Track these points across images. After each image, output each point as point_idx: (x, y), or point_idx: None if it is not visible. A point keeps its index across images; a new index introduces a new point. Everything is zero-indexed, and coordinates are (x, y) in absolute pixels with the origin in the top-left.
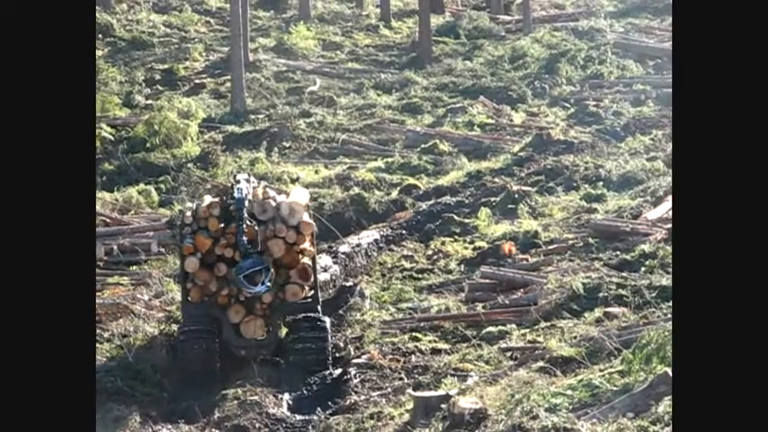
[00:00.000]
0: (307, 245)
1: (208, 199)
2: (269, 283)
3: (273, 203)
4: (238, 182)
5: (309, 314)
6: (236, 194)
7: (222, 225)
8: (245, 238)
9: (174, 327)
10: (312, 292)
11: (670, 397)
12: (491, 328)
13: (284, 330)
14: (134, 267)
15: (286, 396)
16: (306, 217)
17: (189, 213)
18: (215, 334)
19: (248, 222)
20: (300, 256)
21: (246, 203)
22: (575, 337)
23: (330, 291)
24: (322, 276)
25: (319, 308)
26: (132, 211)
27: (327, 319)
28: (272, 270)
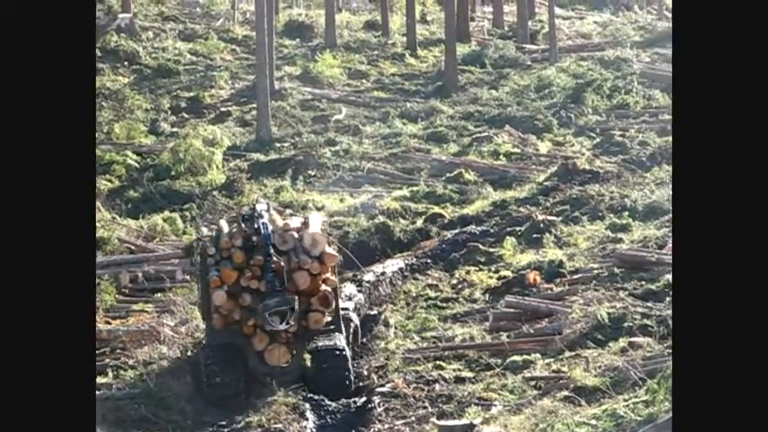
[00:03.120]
0: (329, 274)
1: (224, 225)
2: (292, 322)
3: (295, 234)
4: (260, 215)
5: (330, 343)
6: (261, 230)
7: (245, 255)
8: (271, 273)
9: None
10: (334, 319)
11: None
12: (515, 358)
13: (307, 357)
14: (159, 294)
15: (310, 424)
16: (328, 247)
17: (210, 243)
18: (240, 363)
19: (275, 259)
20: (322, 283)
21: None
22: (599, 367)
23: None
24: (347, 305)
25: (342, 335)
26: (157, 239)
27: (347, 347)
28: (296, 308)
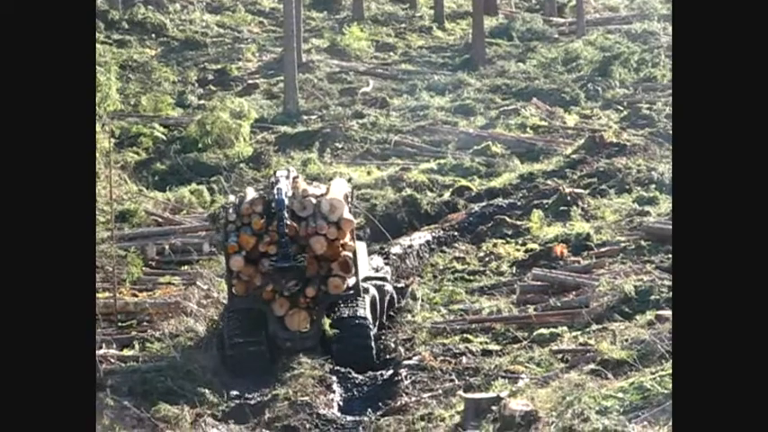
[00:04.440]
0: (348, 239)
1: (250, 192)
2: (293, 288)
3: (313, 200)
4: (278, 181)
5: (351, 311)
6: (276, 196)
7: (264, 221)
8: (284, 238)
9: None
10: (354, 283)
11: None
12: (542, 330)
13: (327, 322)
14: (185, 267)
15: (337, 397)
16: (346, 213)
17: (231, 210)
18: (261, 327)
19: (288, 223)
20: (342, 249)
21: (287, 202)
22: (626, 340)
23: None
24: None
25: (364, 303)
26: (184, 211)
27: (369, 315)
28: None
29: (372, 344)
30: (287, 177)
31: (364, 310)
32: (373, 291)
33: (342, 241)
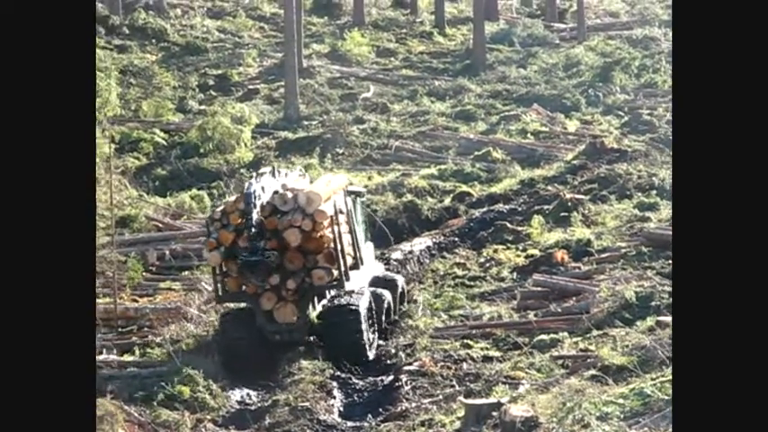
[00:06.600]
0: (327, 231)
1: None
2: (265, 283)
3: (290, 194)
4: (254, 176)
5: (342, 301)
6: (246, 190)
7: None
8: (253, 231)
9: None
10: (337, 275)
11: None
12: (543, 336)
13: (315, 314)
14: (186, 272)
15: (337, 402)
16: (323, 206)
17: (218, 209)
18: (252, 321)
19: (255, 216)
20: (323, 241)
21: (263, 197)
22: (627, 346)
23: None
24: None
25: (357, 294)
26: (185, 217)
27: (363, 304)
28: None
29: (363, 329)
30: (273, 174)
31: (357, 300)
32: (381, 291)
33: (319, 233)
